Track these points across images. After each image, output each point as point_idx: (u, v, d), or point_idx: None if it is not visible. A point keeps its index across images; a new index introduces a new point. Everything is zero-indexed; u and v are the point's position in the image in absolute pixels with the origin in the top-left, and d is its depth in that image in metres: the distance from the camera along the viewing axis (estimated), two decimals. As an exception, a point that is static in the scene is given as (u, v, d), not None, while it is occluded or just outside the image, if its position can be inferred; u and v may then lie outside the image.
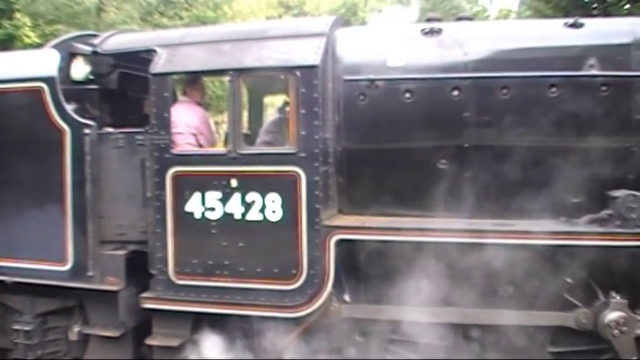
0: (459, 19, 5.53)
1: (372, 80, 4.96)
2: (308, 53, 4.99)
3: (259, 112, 6.88)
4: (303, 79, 4.92)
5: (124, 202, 5.44)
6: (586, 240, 4.66)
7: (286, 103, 5.42)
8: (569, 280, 4.95)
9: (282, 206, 4.97)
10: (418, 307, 4.89)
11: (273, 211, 4.99)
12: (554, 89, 4.81)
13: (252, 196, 5.02)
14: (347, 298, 5.14)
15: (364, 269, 5.04)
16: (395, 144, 4.99)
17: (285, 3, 30.28)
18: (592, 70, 4.82)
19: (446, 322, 4.97)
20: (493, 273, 4.75)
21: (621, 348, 4.85)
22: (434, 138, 4.94)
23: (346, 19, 6.46)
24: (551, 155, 4.79)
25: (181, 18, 20.67)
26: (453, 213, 4.92)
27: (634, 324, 4.82)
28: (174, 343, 5.28)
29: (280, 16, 27.78)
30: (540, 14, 15.71)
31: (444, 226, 4.77)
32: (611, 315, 4.81)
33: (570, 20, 5.03)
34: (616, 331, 4.80)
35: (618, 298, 4.84)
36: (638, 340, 4.86)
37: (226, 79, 5.13)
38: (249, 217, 5.03)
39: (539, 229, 4.71)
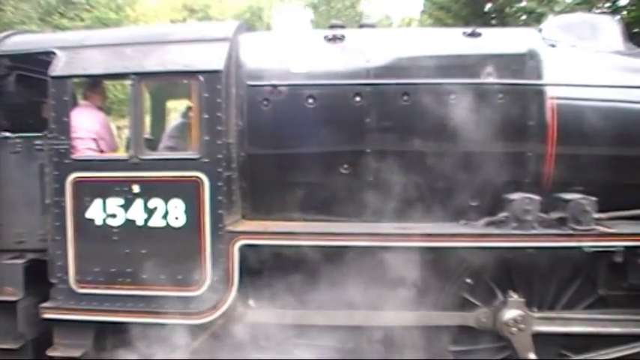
0: (362, 26, 5.86)
1: (275, 86, 5.19)
2: (211, 58, 5.18)
3: (162, 116, 7.02)
4: (207, 84, 5.10)
5: (23, 209, 5.49)
6: (484, 242, 5.04)
7: (189, 108, 5.61)
8: (469, 280, 5.35)
9: (185, 212, 5.13)
10: (321, 311, 5.19)
11: (176, 217, 5.15)
12: (453, 96, 5.16)
13: (155, 202, 5.17)
14: (251, 303, 5.38)
15: (268, 274, 5.28)
16: (298, 149, 5.22)
17: (190, 6, 30.42)
18: (489, 78, 5.20)
19: (350, 325, 5.28)
20: (395, 275, 5.09)
21: (519, 345, 5.23)
22: (336, 143, 5.22)
23: (251, 23, 6.70)
24: (450, 160, 5.12)
25: (82, 19, 20.35)
26: (356, 217, 5.23)
27: (531, 321, 5.21)
28: (76, 353, 5.38)
29: (184, 20, 27.90)
30: (441, 23, 16.67)
31: (346, 230, 5.08)
32: (509, 313, 5.19)
33: (469, 30, 5.40)
34: (514, 329, 5.19)
35: (516, 297, 5.22)
36: (535, 337, 5.25)
37: (128, 83, 5.26)
38: (152, 223, 5.17)
39: (439, 232, 5.08)
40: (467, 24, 5.68)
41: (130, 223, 5.16)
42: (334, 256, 5.01)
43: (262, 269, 5.25)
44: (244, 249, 5.07)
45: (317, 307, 5.08)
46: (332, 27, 5.50)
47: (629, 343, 5.37)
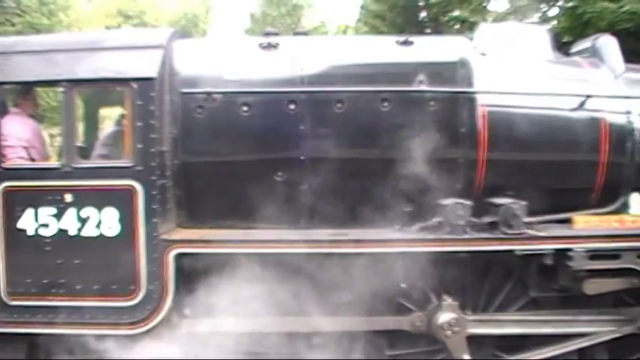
0: (296, 34, 6.08)
1: (210, 93, 5.34)
2: (145, 65, 5.29)
3: (95, 124, 7.08)
4: (140, 91, 5.22)
5: (-49, 220, 5.54)
6: (418, 247, 5.29)
7: (123, 116, 5.73)
8: (403, 285, 5.60)
9: (119, 221, 5.23)
10: (259, 318, 5.37)
11: (110, 227, 5.24)
12: (386, 103, 5.40)
13: (88, 212, 5.25)
14: (187, 312, 5.54)
15: (204, 282, 5.45)
16: (232, 157, 5.35)
17: (125, 12, 30.30)
18: (421, 85, 5.45)
19: (287, 331, 5.48)
20: (331, 282, 5.30)
21: (454, 347, 5.47)
22: (271, 151, 5.41)
23: (187, 30, 6.86)
24: (384, 166, 5.31)
25: (13, 24, 19.94)
26: (291, 225, 5.44)
27: (465, 324, 5.46)
28: (8, 367, 5.47)
29: (119, 26, 27.68)
30: (376, 31, 17.25)
31: (280, 238, 5.28)
32: (444, 317, 5.43)
33: (401, 38, 5.64)
34: (448, 332, 5.42)
35: (450, 300, 5.46)
36: (470, 339, 5.50)
37: (60, 90, 5.36)
38: (85, 232, 5.24)
39: (373, 238, 5.32)
40: (401, 32, 5.94)
41: (62, 233, 5.22)
42: (269, 263, 5.18)
43: (198, 278, 5.39)
44: (180, 258, 5.17)
45: (253, 314, 5.22)
46: (266, 35, 5.68)
47: (560, 342, 5.66)
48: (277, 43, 5.50)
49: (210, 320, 5.34)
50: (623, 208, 5.72)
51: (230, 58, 5.49)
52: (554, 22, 13.63)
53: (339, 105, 5.29)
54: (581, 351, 5.77)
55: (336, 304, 5.38)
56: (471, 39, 5.82)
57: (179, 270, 5.20)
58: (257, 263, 5.15)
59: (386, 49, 5.55)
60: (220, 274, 5.24)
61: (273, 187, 5.27)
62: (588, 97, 5.55)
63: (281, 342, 5.42)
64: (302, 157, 5.29)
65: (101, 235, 5.19)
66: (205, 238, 5.19)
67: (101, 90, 5.98)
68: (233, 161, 5.35)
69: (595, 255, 5.28)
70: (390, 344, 5.62)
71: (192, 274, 5.32)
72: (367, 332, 5.49)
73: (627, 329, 5.65)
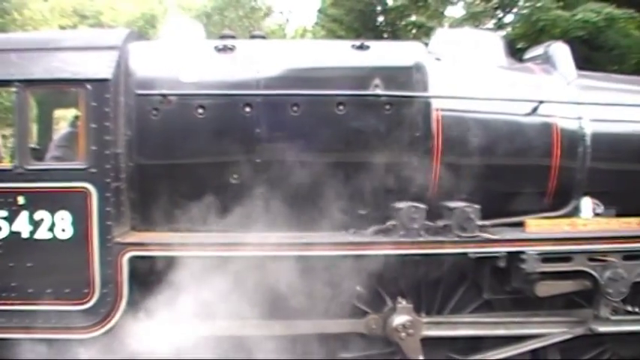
0: (253, 37, 6.25)
1: (165, 95, 5.48)
2: (100, 66, 5.37)
3: (49, 125, 7.15)
4: (94, 92, 5.29)
5: None
6: (373, 249, 5.46)
7: (77, 117, 5.84)
8: (359, 288, 5.81)
9: (73, 224, 5.29)
10: (211, 321, 5.52)
11: (63, 229, 5.30)
12: (341, 107, 5.58)
13: (41, 214, 5.29)
14: (142, 315, 5.65)
15: (158, 285, 5.58)
16: (188, 159, 5.44)
17: (81, 12, 30.12)
18: (377, 89, 5.64)
19: (242, 335, 5.64)
20: (286, 285, 5.48)
21: (408, 349, 5.64)
22: (226, 153, 5.56)
23: (144, 31, 6.98)
24: (340, 170, 5.44)
25: None
26: (246, 227, 5.59)
27: (419, 326, 5.63)
28: (-42, 371, 5.53)
29: (75, 26, 27.48)
30: (334, 35, 17.65)
31: (235, 241, 5.43)
32: (398, 319, 5.61)
33: (357, 43, 5.84)
34: (403, 334, 5.60)
35: (404, 303, 5.64)
36: (424, 341, 5.68)
37: (12, 90, 5.42)
38: (38, 235, 5.27)
39: (328, 241, 5.50)
40: (359, 36, 6.16)
41: (14, 235, 5.25)
42: (225, 266, 5.32)
43: (153, 281, 5.52)
44: (134, 261, 5.26)
45: (207, 317, 5.33)
46: (223, 37, 5.83)
47: (513, 344, 5.88)
48: (234, 46, 5.63)
49: (165, 323, 5.43)
50: (575, 212, 5.99)
51: (186, 61, 5.59)
52: (510, 29, 14.21)
53: (294, 108, 5.43)
54: (534, 352, 5.99)
55: (291, 307, 5.49)
56: (427, 44, 6.03)
57: (133, 273, 5.27)
58: (212, 266, 5.24)
59: (342, 54, 5.71)
60: (175, 276, 5.34)
61: (228, 190, 5.40)
62: (541, 102, 5.80)
63: (235, 345, 5.52)
64: (257, 160, 5.41)
65: (54, 238, 5.24)
66: (160, 241, 5.27)
67: (55, 91, 6.03)
68: (188, 164, 5.43)
69: (547, 258, 5.52)
70: (345, 347, 5.75)
71: (146, 276, 5.43)
72: (322, 335, 5.61)
73: (578, 330, 5.88)
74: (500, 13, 14.82)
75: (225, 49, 5.58)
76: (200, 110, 5.39)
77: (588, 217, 5.90)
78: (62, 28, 24.23)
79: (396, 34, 14.20)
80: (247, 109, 5.43)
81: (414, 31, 14.11)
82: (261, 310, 5.44)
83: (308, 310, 5.50)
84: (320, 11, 21.17)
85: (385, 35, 15.09)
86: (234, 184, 5.39)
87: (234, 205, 5.37)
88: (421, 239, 5.40)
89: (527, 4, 13.23)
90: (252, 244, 5.23)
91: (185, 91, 5.42)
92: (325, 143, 5.48)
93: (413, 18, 15.28)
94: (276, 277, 5.27)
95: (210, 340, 5.49)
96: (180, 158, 5.45)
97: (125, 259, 5.25)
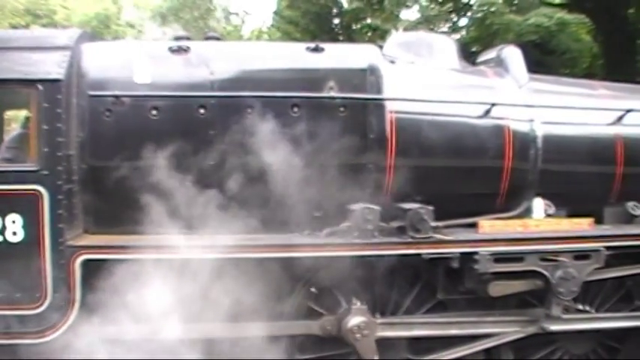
0: (208, 38, 6.39)
1: (118, 96, 5.56)
2: (51, 67, 5.40)
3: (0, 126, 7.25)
4: (46, 93, 5.33)
5: None
6: (327, 251, 5.61)
7: (28, 118, 5.90)
8: (313, 289, 5.99)
9: (24, 227, 5.30)
10: (166, 324, 5.62)
11: (14, 233, 5.30)
12: (296, 109, 5.74)
13: (-9, 217, 5.40)
14: (95, 319, 5.73)
15: (112, 289, 5.66)
16: (141, 161, 5.52)
17: (33, 11, 29.89)
18: (331, 92, 5.81)
19: (194, 338, 5.73)
20: (241, 287, 5.62)
21: (364, 350, 5.78)
22: (181, 155, 5.70)
23: (98, 32, 7.07)
24: (294, 172, 5.56)
25: None
26: (201, 229, 5.72)
27: (374, 327, 5.78)
28: None
29: (28, 25, 27.24)
30: (290, 37, 18.01)
31: (189, 243, 5.52)
32: (353, 320, 5.75)
33: (312, 45, 6.02)
34: (358, 335, 5.74)
35: (359, 304, 5.78)
36: (379, 342, 5.85)
37: (-40, 91, 5.48)
38: None
39: (283, 243, 5.63)
40: (314, 39, 6.35)
41: (-38, 239, 5.19)
42: (179, 269, 5.43)
43: (106, 284, 5.60)
44: (88, 264, 5.31)
45: (160, 321, 5.37)
46: (177, 38, 5.96)
47: (467, 343, 6.11)
48: (188, 47, 5.73)
49: (118, 327, 5.53)
50: (527, 213, 6.24)
51: (140, 61, 5.67)
52: (464, 33, 14.73)
53: (249, 110, 5.54)
54: (487, 351, 6.22)
55: (245, 309, 5.61)
56: (381, 47, 6.24)
57: (86, 277, 5.34)
58: (166, 269, 5.33)
59: (297, 56, 5.87)
60: (128, 280, 5.43)
61: (182, 192, 5.51)
62: (493, 105, 6.04)
63: (188, 349, 5.63)
64: (211, 162, 5.52)
65: (5, 242, 5.26)
66: (113, 244, 5.32)
67: (6, 91, 6.03)
68: (142, 166, 5.48)
69: (500, 258, 5.74)
70: (300, 349, 5.92)
71: (99, 280, 5.52)
72: (277, 337, 5.73)
73: (531, 329, 6.13)
74: (454, 17, 15.32)
75: (179, 50, 5.67)
76: (154, 112, 5.47)
77: (540, 218, 6.12)
78: (14, 27, 23.93)
79: (351, 37, 14.53)
80: (201, 111, 5.53)
81: (369, 33, 14.45)
82: (217, 313, 5.50)
83: (262, 312, 5.63)
84: (276, 13, 21.46)
85: (341, 38, 15.45)
86: (189, 186, 5.45)
87: (189, 208, 5.44)
88: (375, 240, 5.55)
89: (482, 9, 13.72)
90: (207, 246, 5.30)
91: (139, 92, 5.49)
92: (280, 145, 5.55)
93: (368, 21, 15.67)
94: (231, 279, 5.36)
95: (163, 344, 5.53)
96: (133, 160, 5.48)
97: (78, 263, 5.29)
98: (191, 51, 5.75)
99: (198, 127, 5.54)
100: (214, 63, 5.69)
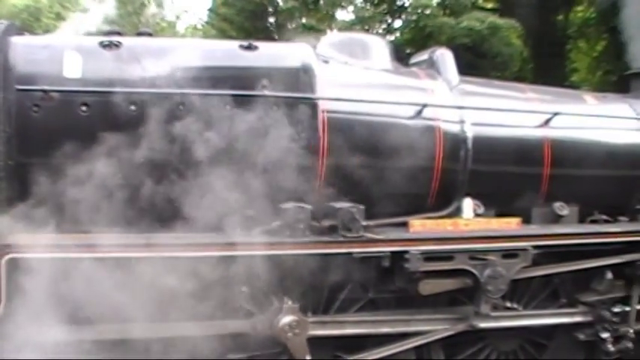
0: (140, 34, 6.58)
1: (46, 91, 5.65)
2: (-24, 60, 5.58)
3: None
4: None
5: None
6: (259, 250, 5.75)
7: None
8: (245, 289, 6.23)
9: None
10: (95, 325, 5.66)
11: None
12: (228, 107, 5.84)
13: None
14: (22, 319, 5.79)
15: (39, 289, 5.75)
16: (70, 158, 5.58)
17: None
18: (264, 90, 6.06)
19: (124, 338, 5.84)
20: (172, 286, 5.80)
21: (295, 349, 5.99)
22: (110, 152, 5.84)
23: (28, 25, 7.16)
24: (226, 170, 5.76)
25: None
26: (132, 228, 5.86)
27: (305, 326, 5.99)
28: None
29: None
30: (225, 34, 18.38)
31: (121, 242, 5.47)
32: (285, 319, 5.97)
33: (245, 43, 6.24)
34: (289, 334, 5.95)
35: (290, 303, 6.00)
36: (311, 340, 6.07)
37: None
38: None
39: (214, 241, 5.82)
40: (249, 37, 6.61)
41: None
42: (110, 267, 5.47)
43: (32, 283, 5.70)
44: (14, 263, 5.34)
45: (91, 321, 5.50)
46: (108, 33, 6.13)
47: (398, 341, 6.41)
48: (120, 42, 5.85)
49: (43, 327, 5.62)
50: (457, 212, 6.62)
51: (70, 56, 5.77)
52: (399, 34, 15.37)
53: (181, 107, 5.68)
54: (418, 349, 6.55)
55: (177, 308, 5.75)
56: (314, 47, 6.56)
57: (12, 276, 5.37)
58: (95, 268, 5.40)
59: (230, 53, 6.09)
60: (56, 279, 5.53)
61: (112, 190, 5.65)
62: (424, 106, 6.41)
63: (121, 349, 5.76)
64: (142, 159, 5.61)
65: None
66: (41, 243, 5.34)
67: None
68: (71, 163, 5.55)
69: (430, 257, 6.05)
70: (232, 348, 6.12)
71: (26, 279, 5.61)
72: (209, 336, 5.88)
73: (460, 327, 6.47)
74: (389, 19, 15.91)
75: (110, 45, 5.78)
76: (84, 108, 5.57)
77: (469, 218, 6.49)
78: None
79: (286, 36, 14.91)
80: (132, 107, 5.65)
81: (304, 33, 14.86)
82: (149, 312, 5.62)
83: (195, 312, 5.77)
84: (211, 10, 21.62)
85: (276, 37, 15.82)
86: (118, 184, 5.59)
87: (118, 206, 5.59)
88: (307, 239, 5.77)
89: (416, 11, 14.33)
90: (137, 245, 5.44)
91: (68, 87, 5.58)
92: (212, 142, 5.72)
93: (303, 20, 16.07)
94: (164, 278, 5.48)
95: (94, 344, 5.69)
96: (62, 157, 5.54)
97: (3, 262, 5.32)
98: (123, 46, 5.86)
99: (128, 123, 5.63)
100: (146, 59, 5.81)
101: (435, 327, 6.45)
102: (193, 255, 5.59)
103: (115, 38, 5.88)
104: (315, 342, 6.13)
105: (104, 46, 5.82)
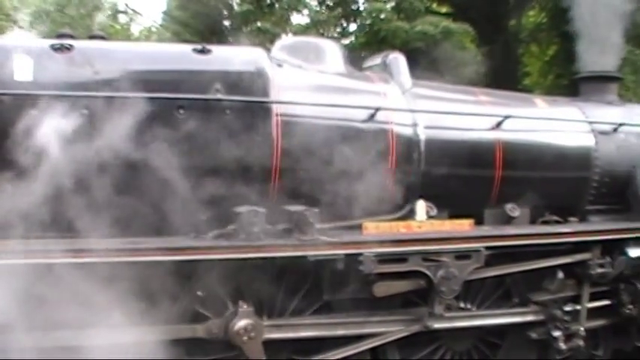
0: (92, 37, 6.73)
1: (-4, 95, 5.79)
2: None
3: None
4: None
5: None
6: (213, 254, 5.94)
7: None
8: (199, 293, 6.42)
9: None
10: (33, 331, 5.58)
11: None
12: (182, 111, 6.10)
13: None
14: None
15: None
16: (19, 162, 5.59)
17: None
18: (218, 94, 6.21)
19: (68, 345, 5.75)
20: (125, 291, 5.95)
21: (251, 353, 6.15)
22: (62, 156, 5.92)
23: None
24: (180, 174, 5.87)
25: None
26: (83, 233, 5.98)
27: (261, 329, 6.17)
28: None
29: None
30: (179, 38, 18.62)
31: (61, 247, 5.51)
32: (240, 323, 6.13)
33: (199, 46, 6.42)
34: (245, 337, 6.12)
35: (245, 306, 6.17)
36: (267, 344, 6.26)
37: None
38: None
39: (168, 246, 5.93)
40: (204, 40, 6.79)
41: None
42: (51, 273, 5.45)
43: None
44: None
45: (35, 329, 5.52)
46: (60, 36, 6.24)
47: (353, 343, 6.64)
48: (72, 46, 5.94)
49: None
50: (411, 215, 6.92)
51: (20, 59, 5.86)
52: (353, 38, 15.84)
53: (133, 111, 5.78)
54: (373, 351, 6.79)
55: (130, 314, 5.84)
56: (268, 50, 6.81)
57: None
58: (35, 274, 5.42)
59: (183, 57, 6.24)
60: None
61: (61, 195, 5.77)
62: (378, 109, 6.70)
63: (72, 356, 5.78)
64: (94, 164, 5.69)
65: None
66: None
67: None
68: (21, 166, 5.61)
69: (384, 259, 6.29)
70: (187, 353, 6.28)
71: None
72: (164, 342, 6.02)
73: (415, 328, 6.73)
74: (344, 23, 16.33)
75: (62, 48, 5.86)
76: (35, 111, 5.67)
77: (423, 220, 6.77)
78: None
79: (241, 40, 15.16)
80: (84, 111, 5.75)
81: (259, 37, 15.12)
82: (100, 318, 5.72)
83: (149, 317, 5.89)
84: (165, 13, 21.70)
85: (231, 40, 16.05)
86: (70, 188, 5.70)
87: (71, 211, 5.72)
88: (261, 243, 5.91)
89: (371, 15, 14.77)
90: (87, 250, 5.52)
91: (18, 90, 5.68)
92: (164, 147, 5.89)
93: (259, 24, 16.34)
94: (112, 283, 5.58)
95: (40, 352, 5.70)
96: (11, 161, 5.63)
97: None
98: (75, 49, 5.95)
99: (81, 127, 5.75)
100: (99, 62, 5.92)
101: (390, 328, 6.69)
102: (145, 259, 5.70)
103: (67, 41, 5.94)
104: (270, 345, 6.31)
105: (56, 49, 5.88)
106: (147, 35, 26.82)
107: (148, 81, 6.02)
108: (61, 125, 5.79)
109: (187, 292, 6.14)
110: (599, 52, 8.72)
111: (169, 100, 5.98)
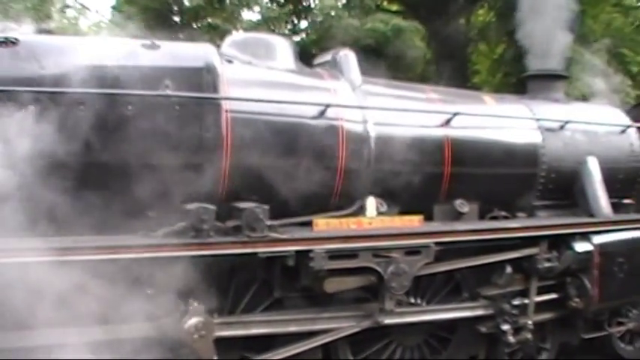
0: (39, 31, 6.69)
1: (-64, 89, 5.77)
2: None
3: None
4: None
5: None
6: (161, 252, 5.96)
7: None
8: (149, 291, 6.50)
9: None
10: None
11: None
12: (130, 107, 6.10)
13: None
14: None
15: None
16: None
17: None
18: (167, 90, 6.28)
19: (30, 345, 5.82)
20: (74, 291, 5.99)
21: (202, 351, 6.20)
22: (7, 154, 5.98)
23: None
24: (128, 171, 5.95)
25: None
26: (34, 232, 5.88)
27: (211, 327, 6.23)
28: None
29: None
30: (128, 33, 18.73)
31: (21, 246, 5.52)
32: (190, 321, 6.19)
33: (148, 42, 6.50)
34: (195, 336, 6.18)
35: (196, 304, 6.23)
36: (218, 342, 6.33)
37: None
38: None
39: (116, 244, 5.90)
40: (153, 36, 6.86)
41: None
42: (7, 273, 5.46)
43: None
44: None
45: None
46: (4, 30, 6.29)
47: (305, 340, 6.79)
48: (17, 40, 5.91)
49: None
50: (361, 211, 7.11)
51: None
52: (304, 35, 16.13)
53: (81, 107, 5.82)
54: (325, 347, 6.95)
55: (80, 314, 5.84)
56: (218, 46, 6.94)
57: None
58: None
59: (132, 52, 6.31)
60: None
61: (9, 193, 5.81)
62: (328, 106, 6.87)
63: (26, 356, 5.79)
64: (41, 162, 5.68)
65: None
66: None
67: None
68: None
69: (334, 255, 6.43)
70: (137, 352, 6.26)
71: None
72: (114, 341, 6.07)
73: (366, 323, 6.89)
74: (295, 19, 16.59)
75: (6, 42, 5.84)
76: None
77: (373, 216, 6.97)
78: None
79: (192, 36, 15.27)
80: (31, 107, 5.73)
81: (209, 33, 15.24)
82: (50, 318, 5.71)
83: (100, 316, 5.95)
84: (114, 8, 21.61)
85: (181, 36, 16.15)
86: (15, 186, 5.74)
87: (16, 211, 5.74)
88: (211, 240, 6.00)
89: (322, 12, 15.04)
90: (38, 249, 5.52)
91: None
92: (112, 144, 5.98)
93: (209, 20, 16.47)
94: (63, 283, 5.61)
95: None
96: None
97: None
98: (20, 44, 5.94)
99: (28, 123, 5.74)
100: (45, 57, 5.93)
101: (341, 324, 6.84)
102: (92, 258, 5.74)
103: (11, 35, 5.94)
104: (222, 343, 6.38)
105: (0, 43, 5.87)
106: (96, 31, 26.57)
107: (96, 76, 6.04)
108: (6, 121, 5.69)
109: (137, 291, 6.10)
110: (544, 52, 9.06)
111: (118, 95, 5.99)
